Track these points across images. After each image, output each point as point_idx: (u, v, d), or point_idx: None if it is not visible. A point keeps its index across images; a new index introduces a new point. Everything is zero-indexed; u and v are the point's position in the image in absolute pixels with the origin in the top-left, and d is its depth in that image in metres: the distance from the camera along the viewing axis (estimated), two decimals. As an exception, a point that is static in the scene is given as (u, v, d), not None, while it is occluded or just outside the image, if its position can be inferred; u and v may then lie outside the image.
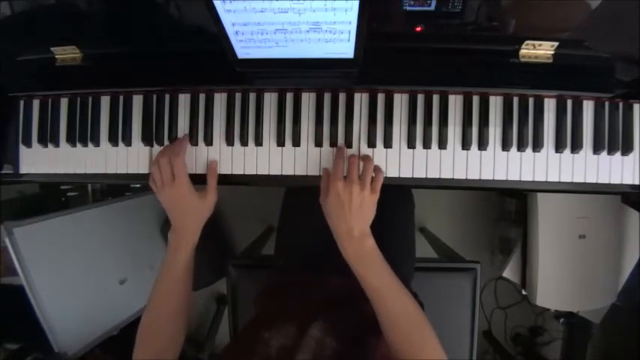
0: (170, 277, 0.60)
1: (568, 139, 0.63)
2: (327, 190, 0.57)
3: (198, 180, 0.64)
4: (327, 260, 0.61)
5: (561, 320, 1.39)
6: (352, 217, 0.55)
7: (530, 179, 0.63)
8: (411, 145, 0.64)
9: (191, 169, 0.65)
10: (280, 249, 0.87)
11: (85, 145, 0.68)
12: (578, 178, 0.63)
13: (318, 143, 0.64)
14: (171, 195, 0.60)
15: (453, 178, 0.64)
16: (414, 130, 0.63)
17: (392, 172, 0.64)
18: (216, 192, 0.63)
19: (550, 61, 0.61)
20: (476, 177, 0.63)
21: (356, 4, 0.47)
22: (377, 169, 0.60)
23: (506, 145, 0.63)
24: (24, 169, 0.69)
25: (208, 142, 0.65)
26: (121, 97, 0.67)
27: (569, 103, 0.63)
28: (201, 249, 0.64)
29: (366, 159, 0.59)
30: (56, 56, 0.66)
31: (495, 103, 0.64)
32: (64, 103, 0.68)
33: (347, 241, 0.55)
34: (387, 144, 0.64)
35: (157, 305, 0.60)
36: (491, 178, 0.63)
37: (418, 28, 0.59)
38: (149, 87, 0.67)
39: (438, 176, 0.64)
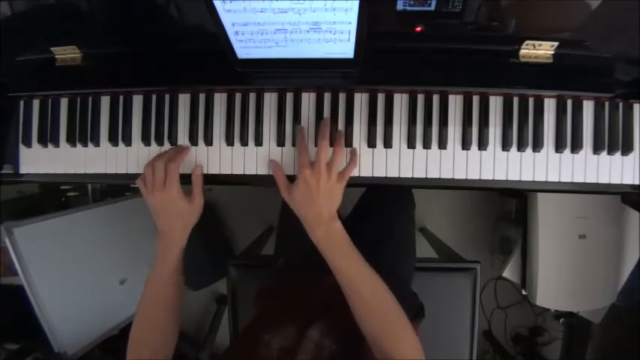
0: (160, 281, 0.61)
1: (568, 139, 0.63)
2: (285, 184, 0.59)
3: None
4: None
5: (561, 320, 1.39)
6: (321, 204, 0.56)
7: (530, 179, 0.63)
8: (411, 145, 0.64)
9: (190, 170, 0.65)
10: (280, 249, 0.87)
11: (85, 145, 0.68)
12: (578, 178, 0.63)
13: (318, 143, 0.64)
14: (160, 199, 0.60)
15: (453, 178, 0.64)
16: (414, 130, 0.63)
17: (392, 172, 0.64)
18: (203, 197, 0.63)
19: (550, 61, 0.61)
20: (476, 177, 0.63)
21: (356, 4, 0.47)
22: (352, 158, 0.61)
23: (506, 145, 0.63)
24: (24, 169, 0.69)
25: (208, 142, 0.65)
26: (121, 97, 0.67)
27: (569, 103, 0.63)
28: (201, 249, 0.64)
29: (337, 145, 0.60)
30: (56, 56, 0.66)
31: (495, 103, 0.64)
32: (64, 103, 0.68)
33: (316, 225, 0.57)
34: (387, 144, 0.64)
35: (148, 310, 0.61)
36: (491, 178, 0.63)
37: (418, 28, 0.59)
38: (149, 87, 0.67)
39: (438, 176, 0.64)
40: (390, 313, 0.55)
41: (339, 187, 0.58)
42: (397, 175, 0.64)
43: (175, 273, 0.61)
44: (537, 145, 0.63)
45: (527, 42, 0.59)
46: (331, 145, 0.61)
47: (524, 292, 1.20)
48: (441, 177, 0.64)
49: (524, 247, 1.17)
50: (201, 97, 0.66)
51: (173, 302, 0.61)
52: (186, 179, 0.63)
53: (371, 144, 0.64)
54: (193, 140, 0.65)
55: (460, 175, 0.64)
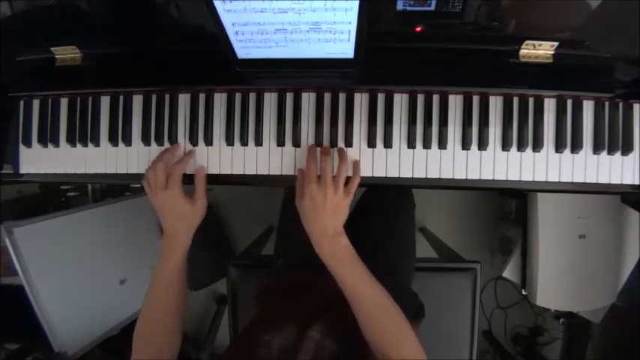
0: (164, 282, 0.60)
1: (568, 139, 0.63)
2: (302, 192, 0.58)
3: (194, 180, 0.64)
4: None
5: (561, 320, 1.39)
6: (327, 219, 0.57)
7: (530, 179, 0.63)
8: (411, 145, 0.64)
9: (192, 170, 0.65)
10: (280, 249, 0.87)
11: (85, 145, 0.68)
12: (578, 178, 0.63)
13: (318, 143, 0.64)
14: (163, 200, 0.60)
15: (453, 178, 0.64)
16: (414, 130, 0.63)
17: (392, 172, 0.64)
18: (206, 197, 0.64)
19: (550, 61, 0.61)
20: (476, 177, 0.63)
21: (356, 4, 0.47)
22: (355, 169, 0.61)
23: (506, 145, 0.63)
24: (24, 169, 0.69)
25: (208, 142, 0.65)
26: (121, 97, 0.67)
27: (569, 103, 0.63)
28: (202, 249, 0.64)
29: (341, 159, 0.60)
30: (56, 56, 0.66)
31: (495, 103, 0.64)
32: (64, 103, 0.68)
33: (322, 241, 0.57)
34: (387, 144, 0.64)
35: (152, 311, 0.60)
36: (491, 178, 0.63)
37: (418, 28, 0.59)
38: (149, 87, 0.67)
39: (438, 176, 0.64)
40: (394, 325, 0.55)
41: (345, 203, 0.58)
42: (397, 175, 0.64)
43: (178, 274, 0.61)
44: (537, 145, 0.63)
45: (527, 42, 0.59)
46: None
47: (524, 292, 1.19)
48: (441, 177, 0.64)
49: (524, 247, 1.17)
50: (201, 97, 0.66)
51: (177, 304, 0.61)
52: (187, 179, 0.63)
53: (371, 144, 0.64)
54: (193, 140, 0.65)
55: (460, 175, 0.64)
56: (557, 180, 0.63)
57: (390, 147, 0.64)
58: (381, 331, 0.55)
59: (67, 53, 0.65)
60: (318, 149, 0.63)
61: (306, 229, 0.59)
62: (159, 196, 0.60)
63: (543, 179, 0.63)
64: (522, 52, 0.61)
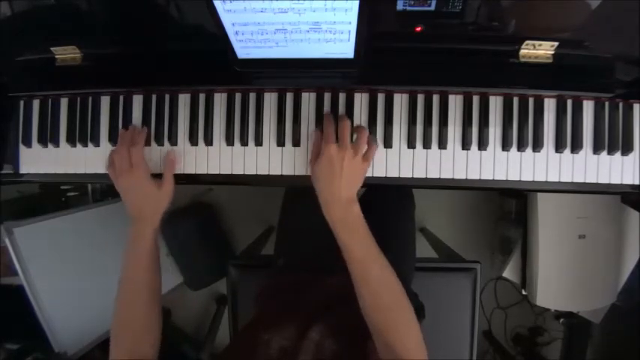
0: (141, 266, 0.59)
1: (568, 139, 0.63)
2: (319, 153, 0.57)
3: (196, 180, 0.64)
4: (327, 260, 0.61)
5: (561, 320, 1.39)
6: (342, 183, 0.55)
7: (530, 179, 0.63)
8: (411, 145, 0.64)
9: (192, 170, 0.65)
10: (280, 249, 0.87)
11: (85, 145, 0.68)
12: (578, 178, 0.63)
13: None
14: (128, 182, 0.60)
15: (453, 178, 0.64)
16: (414, 130, 0.63)
17: (392, 172, 0.64)
18: (173, 182, 0.63)
19: (550, 61, 0.61)
20: (476, 177, 0.63)
21: (356, 4, 0.47)
22: (370, 139, 0.60)
23: (506, 145, 0.63)
24: (24, 169, 0.69)
25: (208, 142, 0.65)
26: (121, 97, 0.67)
27: (569, 103, 0.63)
28: (202, 249, 0.64)
29: (360, 128, 0.60)
30: (56, 56, 0.66)
31: (495, 103, 0.64)
32: (64, 103, 0.68)
33: (334, 205, 0.55)
34: (387, 144, 0.64)
35: (126, 298, 0.59)
36: (491, 178, 0.63)
37: (418, 28, 0.59)
38: (149, 87, 0.67)
39: (438, 176, 0.64)
40: (399, 307, 0.53)
41: (363, 168, 0.57)
42: (397, 175, 0.64)
43: (150, 254, 0.60)
44: (537, 145, 0.63)
45: (527, 42, 0.59)
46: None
47: (524, 292, 1.19)
48: (441, 177, 0.64)
49: (524, 247, 1.17)
50: (201, 97, 0.66)
51: (150, 288, 0.60)
52: (195, 179, 0.63)
53: (371, 144, 0.64)
54: (193, 140, 0.65)
55: (460, 175, 0.64)
56: (557, 180, 0.63)
57: (390, 147, 0.64)
58: (386, 318, 0.52)
59: (67, 53, 0.65)
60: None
61: (317, 190, 0.57)
62: (124, 178, 0.60)
63: (543, 179, 0.63)
64: (522, 52, 0.61)
